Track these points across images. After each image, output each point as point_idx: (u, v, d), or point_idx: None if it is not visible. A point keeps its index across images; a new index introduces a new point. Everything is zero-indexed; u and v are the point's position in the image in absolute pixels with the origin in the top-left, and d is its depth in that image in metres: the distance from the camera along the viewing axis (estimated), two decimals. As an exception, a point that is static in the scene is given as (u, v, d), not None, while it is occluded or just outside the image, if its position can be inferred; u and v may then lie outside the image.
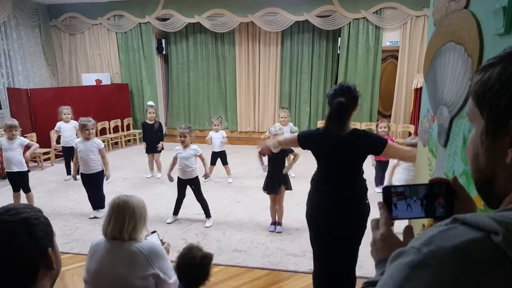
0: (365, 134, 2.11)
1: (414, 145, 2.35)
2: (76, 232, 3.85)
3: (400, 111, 7.63)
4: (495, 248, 0.47)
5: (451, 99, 1.49)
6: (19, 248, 0.85)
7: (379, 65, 7.63)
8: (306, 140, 2.19)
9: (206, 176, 4.33)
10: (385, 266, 0.75)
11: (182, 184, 4.00)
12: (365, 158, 2.12)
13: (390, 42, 7.57)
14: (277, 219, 3.86)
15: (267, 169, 3.76)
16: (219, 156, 5.45)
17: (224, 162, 5.51)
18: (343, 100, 1.95)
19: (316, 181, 2.19)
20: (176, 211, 4.10)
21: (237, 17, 7.81)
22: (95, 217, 4.17)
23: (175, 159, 3.99)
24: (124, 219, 1.67)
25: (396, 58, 7.59)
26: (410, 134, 7.00)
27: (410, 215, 0.81)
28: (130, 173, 5.91)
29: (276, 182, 3.70)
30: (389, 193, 0.80)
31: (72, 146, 5.33)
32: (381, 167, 4.83)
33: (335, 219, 2.08)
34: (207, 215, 4.03)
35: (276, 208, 3.83)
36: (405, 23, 7.29)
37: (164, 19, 8.24)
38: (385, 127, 4.69)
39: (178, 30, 8.22)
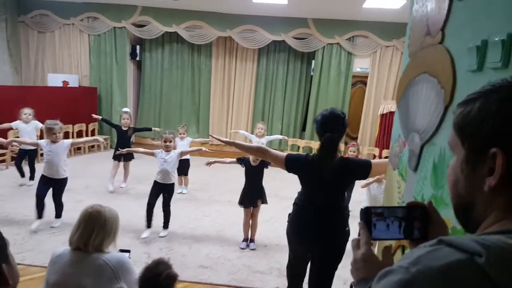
0: (351, 161, 2.19)
1: None
2: (30, 241, 3.59)
3: (366, 134, 7.93)
4: (478, 269, 0.49)
5: (422, 126, 1.57)
6: None
7: (349, 89, 7.94)
8: (294, 164, 2.17)
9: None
10: (365, 285, 0.76)
11: (157, 188, 3.89)
12: (351, 184, 2.19)
13: (360, 68, 7.91)
14: (250, 236, 3.80)
15: None
16: (183, 164, 5.26)
17: (185, 172, 5.41)
18: (333, 136, 2.02)
19: (300, 205, 2.19)
20: (149, 223, 3.85)
21: (215, 31, 7.86)
22: (51, 227, 3.90)
23: (153, 153, 3.91)
24: (93, 230, 1.58)
25: (365, 84, 7.93)
26: (374, 156, 7.27)
27: (389, 235, 0.84)
28: (93, 181, 5.67)
29: (255, 196, 3.68)
30: (369, 213, 0.83)
31: (31, 149, 5.05)
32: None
33: (316, 244, 2.12)
34: (166, 225, 3.96)
35: (250, 223, 3.78)
36: (375, 52, 7.66)
37: (141, 26, 8.13)
38: (354, 151, 4.75)
39: (154, 37, 8.14)
